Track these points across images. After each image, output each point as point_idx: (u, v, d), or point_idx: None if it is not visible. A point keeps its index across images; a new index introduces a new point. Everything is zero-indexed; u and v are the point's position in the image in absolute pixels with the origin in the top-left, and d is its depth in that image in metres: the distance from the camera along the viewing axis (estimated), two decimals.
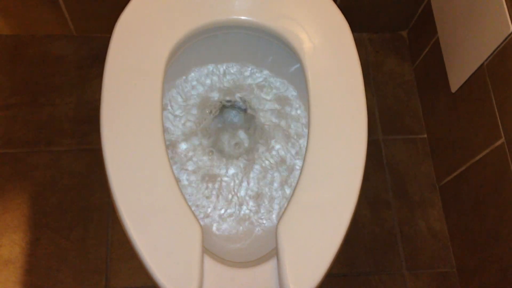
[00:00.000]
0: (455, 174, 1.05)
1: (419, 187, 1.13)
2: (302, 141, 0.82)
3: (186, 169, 0.81)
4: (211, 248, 0.68)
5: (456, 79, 1.01)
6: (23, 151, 1.09)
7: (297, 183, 0.66)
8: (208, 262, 0.62)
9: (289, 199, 0.65)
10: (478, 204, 0.96)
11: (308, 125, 0.69)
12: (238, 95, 0.85)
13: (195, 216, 0.63)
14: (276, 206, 0.79)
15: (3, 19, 1.14)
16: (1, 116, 1.11)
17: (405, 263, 1.07)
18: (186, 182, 0.80)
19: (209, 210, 0.79)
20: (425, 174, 1.14)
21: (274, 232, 0.66)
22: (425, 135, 1.18)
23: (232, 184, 0.81)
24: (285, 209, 0.64)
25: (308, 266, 0.61)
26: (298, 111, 0.84)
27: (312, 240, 0.63)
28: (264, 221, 0.78)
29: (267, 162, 0.82)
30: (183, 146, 0.82)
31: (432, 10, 1.11)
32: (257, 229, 0.78)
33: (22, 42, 1.18)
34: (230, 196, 0.80)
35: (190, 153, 0.82)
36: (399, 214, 1.10)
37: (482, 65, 0.92)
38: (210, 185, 0.80)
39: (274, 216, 0.79)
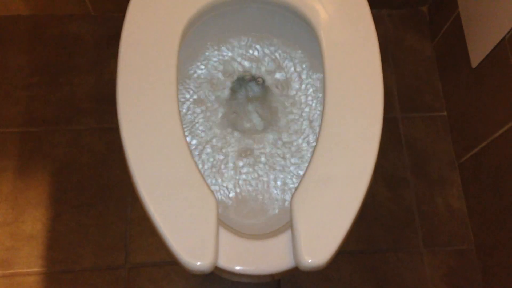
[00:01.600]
0: (474, 151, 1.03)
1: (437, 165, 1.12)
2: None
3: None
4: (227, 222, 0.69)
5: (477, 54, 0.99)
6: (43, 130, 1.11)
7: (312, 156, 0.65)
8: (224, 234, 0.63)
9: (304, 172, 0.65)
10: (498, 180, 0.95)
11: (323, 98, 0.68)
12: (251, 67, 0.85)
13: (210, 189, 0.64)
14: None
15: (22, 0, 1.15)
16: (21, 96, 1.13)
17: (423, 241, 1.06)
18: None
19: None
20: (444, 151, 1.13)
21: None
22: (445, 113, 1.16)
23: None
24: (300, 181, 0.64)
25: (322, 238, 0.61)
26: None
27: (326, 213, 0.63)
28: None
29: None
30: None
31: None
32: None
33: (40, 22, 1.19)
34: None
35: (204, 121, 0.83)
36: (417, 191, 1.10)
37: (503, 38, 0.89)
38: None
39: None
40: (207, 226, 0.62)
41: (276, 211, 0.79)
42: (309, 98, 0.85)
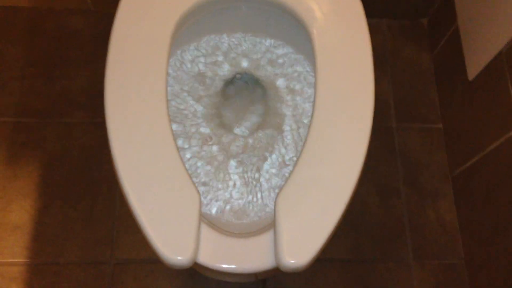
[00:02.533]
0: (468, 164, 1.02)
1: (431, 177, 1.11)
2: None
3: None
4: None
5: (474, 66, 0.99)
6: (36, 121, 1.10)
7: (299, 157, 0.65)
8: (205, 230, 0.62)
9: (290, 173, 0.64)
10: (489, 195, 0.94)
11: (313, 100, 0.68)
12: (245, 66, 0.84)
13: (194, 184, 0.63)
14: None
15: None
16: (15, 86, 1.13)
17: (412, 253, 1.05)
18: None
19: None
20: (438, 164, 1.12)
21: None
22: (440, 125, 1.15)
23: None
24: (286, 182, 0.63)
25: (304, 239, 0.60)
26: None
27: (310, 214, 0.62)
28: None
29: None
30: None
31: None
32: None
33: (40, 15, 1.19)
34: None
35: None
36: (408, 203, 1.09)
37: (500, 52, 0.89)
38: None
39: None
40: (189, 222, 0.61)
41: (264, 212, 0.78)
42: (303, 98, 0.84)
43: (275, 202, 0.62)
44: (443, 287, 1.03)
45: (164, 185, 0.63)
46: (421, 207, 1.09)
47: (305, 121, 0.82)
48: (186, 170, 0.64)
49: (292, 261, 0.59)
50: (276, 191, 0.78)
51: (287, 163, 0.80)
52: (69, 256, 1.01)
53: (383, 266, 1.04)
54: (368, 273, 1.03)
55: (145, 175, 0.64)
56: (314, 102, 0.67)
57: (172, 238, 0.60)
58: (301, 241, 0.60)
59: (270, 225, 0.64)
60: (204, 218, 0.64)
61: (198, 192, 0.63)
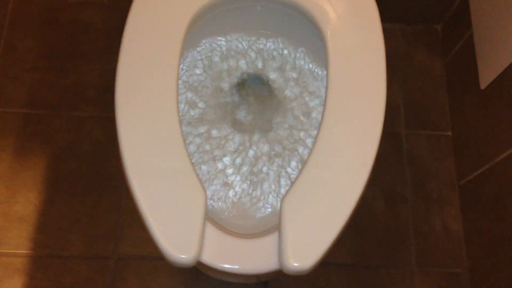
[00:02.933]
0: (476, 173, 1.02)
1: (438, 184, 1.10)
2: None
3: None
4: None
5: (487, 75, 0.98)
6: (46, 113, 1.11)
7: (308, 159, 0.64)
8: (210, 229, 0.62)
9: (298, 174, 0.64)
10: (497, 205, 0.93)
11: (324, 102, 0.67)
12: (257, 67, 0.84)
13: (201, 182, 0.63)
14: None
15: None
16: (27, 78, 1.13)
17: (416, 260, 1.04)
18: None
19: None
20: (446, 171, 1.11)
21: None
22: (450, 133, 1.14)
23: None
24: (293, 184, 0.63)
25: (309, 242, 0.60)
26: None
27: (316, 217, 0.61)
28: None
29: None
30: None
31: (468, 3, 1.07)
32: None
33: (53, 7, 1.20)
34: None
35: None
36: (414, 209, 1.08)
37: None
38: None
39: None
40: (194, 220, 0.61)
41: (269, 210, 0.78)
42: (314, 99, 0.84)
43: (281, 204, 0.62)
44: None
45: (171, 183, 0.63)
46: (427, 214, 1.08)
47: (312, 120, 0.82)
48: (194, 168, 0.64)
49: (296, 264, 0.59)
50: (282, 191, 0.78)
51: (294, 167, 0.80)
52: (72, 250, 1.01)
53: (387, 271, 1.03)
54: (371, 278, 1.03)
55: (152, 172, 0.63)
56: (325, 104, 0.67)
57: (177, 236, 0.60)
58: (306, 244, 0.60)
59: (275, 227, 0.64)
60: (209, 217, 0.63)
61: (204, 190, 0.62)
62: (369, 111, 0.67)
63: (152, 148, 0.65)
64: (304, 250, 0.59)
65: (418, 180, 1.10)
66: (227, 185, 0.78)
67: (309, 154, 0.65)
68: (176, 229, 0.60)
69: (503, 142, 0.92)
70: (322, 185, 0.63)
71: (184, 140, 0.67)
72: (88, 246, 1.02)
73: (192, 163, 0.64)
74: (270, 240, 0.62)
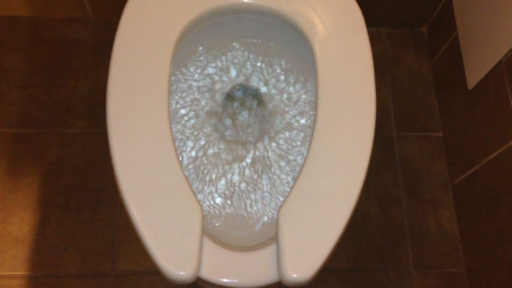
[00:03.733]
0: (468, 173, 1.02)
1: (431, 186, 1.11)
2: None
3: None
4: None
5: (474, 76, 0.99)
6: (37, 132, 1.10)
7: (301, 170, 0.65)
8: (208, 244, 0.62)
9: (292, 186, 0.64)
10: (490, 204, 0.94)
11: (315, 112, 0.68)
12: (247, 78, 0.84)
13: (197, 198, 0.63)
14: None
15: (24, 1, 1.15)
16: (16, 96, 1.13)
17: (413, 262, 1.05)
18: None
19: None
20: (438, 172, 1.12)
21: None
22: (440, 133, 1.16)
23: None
24: (288, 195, 0.63)
25: (307, 253, 0.60)
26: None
27: (313, 227, 0.62)
28: None
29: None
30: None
31: (452, 5, 1.08)
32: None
33: (40, 24, 1.19)
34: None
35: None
36: (409, 212, 1.09)
37: (500, 61, 0.89)
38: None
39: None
40: (191, 236, 0.61)
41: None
42: (306, 107, 0.84)
43: (277, 215, 0.62)
44: None
45: (166, 199, 0.63)
46: (422, 216, 1.09)
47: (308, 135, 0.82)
48: (189, 183, 0.64)
49: (295, 275, 0.59)
50: (277, 199, 0.78)
51: (287, 173, 0.80)
52: (69, 268, 1.00)
53: (385, 275, 1.04)
54: (370, 282, 1.03)
55: (147, 188, 0.63)
56: (316, 115, 0.67)
57: (174, 252, 0.60)
58: (304, 254, 0.60)
59: (273, 238, 0.64)
60: (206, 231, 0.63)
61: (200, 205, 0.62)
62: (360, 118, 0.68)
63: (145, 164, 0.65)
64: (303, 260, 0.60)
65: (411, 182, 1.11)
66: (223, 195, 0.78)
67: (303, 164, 0.65)
68: (173, 246, 0.60)
69: (492, 141, 0.93)
70: (318, 194, 0.64)
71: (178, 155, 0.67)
72: (85, 264, 1.01)
73: (187, 178, 0.64)
74: (268, 252, 0.62)
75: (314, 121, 0.67)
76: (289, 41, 0.82)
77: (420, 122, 1.17)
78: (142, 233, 0.61)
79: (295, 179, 0.66)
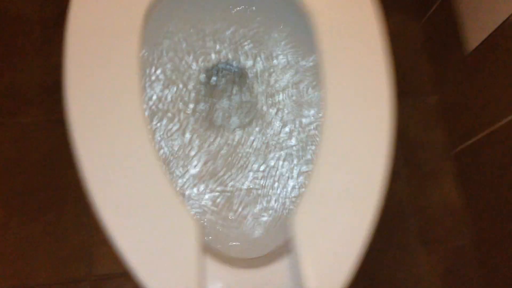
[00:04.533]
0: (472, 141, 0.95)
1: (430, 155, 1.03)
2: None
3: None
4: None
5: (472, 39, 0.90)
6: None
7: (313, 167, 0.54)
8: (210, 263, 0.51)
9: (306, 187, 0.54)
10: (498, 173, 0.87)
11: (324, 97, 0.57)
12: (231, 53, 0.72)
13: (188, 212, 0.51)
14: None
15: None
16: None
17: (418, 238, 0.98)
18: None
19: None
20: (437, 140, 1.04)
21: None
22: (435, 99, 1.07)
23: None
24: (302, 197, 0.53)
25: (333, 263, 0.51)
26: None
27: (334, 233, 0.52)
28: None
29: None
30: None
31: None
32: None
33: None
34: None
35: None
36: (409, 185, 1.01)
37: (504, 22, 0.80)
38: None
39: None
40: (186, 256, 0.50)
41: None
42: (295, 87, 0.74)
43: (290, 224, 0.52)
44: (452, 271, 0.98)
45: (152, 216, 0.51)
46: (423, 188, 1.02)
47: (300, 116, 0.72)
48: (177, 194, 0.52)
49: None
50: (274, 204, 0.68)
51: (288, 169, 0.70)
52: (39, 278, 0.90)
53: (390, 254, 0.97)
54: (374, 262, 0.96)
55: (127, 205, 0.52)
56: (324, 102, 0.56)
57: (172, 283, 0.49)
58: (329, 265, 0.51)
59: (281, 249, 0.54)
60: (208, 248, 0.53)
61: (195, 221, 0.51)
62: (375, 103, 0.57)
63: (122, 174, 0.53)
64: (329, 272, 0.50)
65: (408, 153, 1.03)
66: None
67: (315, 161, 0.55)
68: (169, 276, 0.49)
69: (499, 108, 0.85)
70: (335, 196, 0.53)
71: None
72: (58, 271, 0.90)
73: (175, 189, 0.53)
74: (281, 267, 0.52)
75: (323, 111, 0.56)
76: (280, 10, 0.69)
77: (413, 86, 1.08)
78: (129, 261, 0.51)
79: (308, 178, 0.55)
